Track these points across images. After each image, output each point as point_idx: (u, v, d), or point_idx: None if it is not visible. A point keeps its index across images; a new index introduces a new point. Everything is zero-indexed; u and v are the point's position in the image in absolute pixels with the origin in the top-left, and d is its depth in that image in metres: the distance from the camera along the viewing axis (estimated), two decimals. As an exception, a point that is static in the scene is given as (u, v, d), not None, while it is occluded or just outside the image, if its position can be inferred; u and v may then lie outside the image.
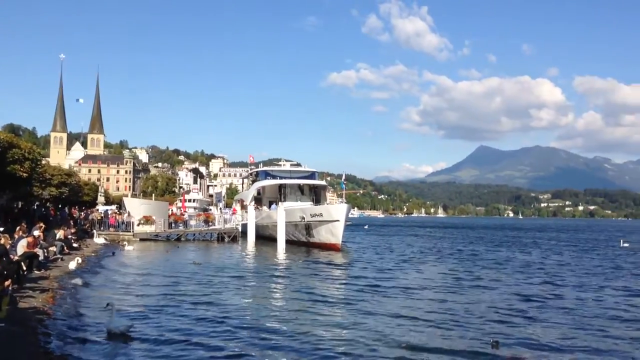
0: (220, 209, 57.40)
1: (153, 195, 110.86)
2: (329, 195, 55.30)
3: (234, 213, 45.99)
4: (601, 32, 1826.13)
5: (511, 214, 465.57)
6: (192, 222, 44.45)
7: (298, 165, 53.57)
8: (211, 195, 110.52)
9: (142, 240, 37.86)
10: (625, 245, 47.20)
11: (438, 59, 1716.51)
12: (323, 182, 49.75)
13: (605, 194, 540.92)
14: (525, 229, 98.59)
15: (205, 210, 69.77)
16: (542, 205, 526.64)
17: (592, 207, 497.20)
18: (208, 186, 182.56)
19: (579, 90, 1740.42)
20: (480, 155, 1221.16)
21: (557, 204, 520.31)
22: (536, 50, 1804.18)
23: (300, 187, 46.45)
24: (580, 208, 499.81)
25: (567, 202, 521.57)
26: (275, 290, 17.73)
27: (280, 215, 36.18)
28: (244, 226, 41.62)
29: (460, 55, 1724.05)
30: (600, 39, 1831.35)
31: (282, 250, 33.17)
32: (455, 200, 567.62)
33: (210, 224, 43.18)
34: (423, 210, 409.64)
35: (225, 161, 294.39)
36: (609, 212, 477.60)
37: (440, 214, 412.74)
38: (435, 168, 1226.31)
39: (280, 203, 41.08)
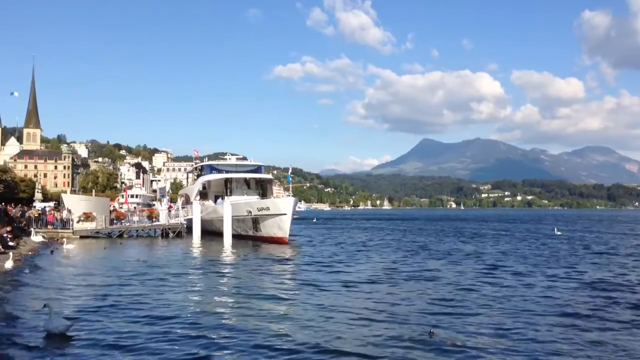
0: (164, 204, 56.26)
1: (93, 191, 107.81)
2: (276, 188, 55.25)
3: (169, 209, 44.71)
4: (537, 28, 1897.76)
5: (454, 205, 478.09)
6: (135, 218, 43.42)
7: (244, 159, 53.25)
8: (155, 191, 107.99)
9: (82, 237, 36.75)
10: (559, 233, 49.69)
11: (382, 53, 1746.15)
12: (269, 176, 49.70)
13: (542, 185, 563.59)
14: (468, 220, 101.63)
15: (149, 205, 68.33)
16: (483, 196, 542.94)
17: (529, 197, 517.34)
18: (152, 181, 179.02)
19: (517, 84, 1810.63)
20: (423, 147, 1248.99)
21: (496, 195, 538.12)
22: (476, 44, 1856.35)
23: (247, 181, 46.20)
24: (519, 198, 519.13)
25: (506, 193, 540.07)
26: (220, 287, 17.51)
27: (227, 209, 35.87)
28: (189, 221, 41.02)
29: (404, 49, 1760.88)
30: (536, 35, 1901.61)
31: (228, 245, 32.89)
32: (400, 192, 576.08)
33: (154, 219, 42.26)
34: (369, 203, 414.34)
35: (169, 156, 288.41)
36: (546, 201, 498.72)
37: (386, 206, 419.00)
38: (381, 161, 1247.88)
39: (226, 197, 40.75)
